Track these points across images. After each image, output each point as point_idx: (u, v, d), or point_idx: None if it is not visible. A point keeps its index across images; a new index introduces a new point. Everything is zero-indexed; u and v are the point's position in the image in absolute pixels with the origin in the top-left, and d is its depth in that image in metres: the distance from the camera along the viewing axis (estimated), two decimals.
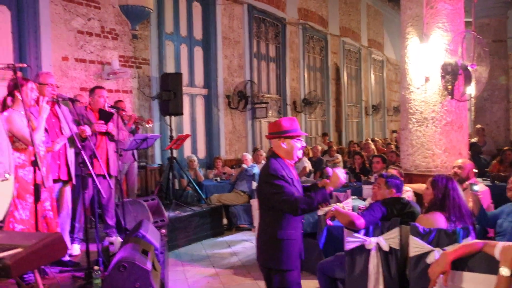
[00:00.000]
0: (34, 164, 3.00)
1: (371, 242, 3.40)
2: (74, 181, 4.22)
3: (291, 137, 2.88)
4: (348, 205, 4.77)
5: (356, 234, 3.47)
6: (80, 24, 6.78)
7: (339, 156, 10.39)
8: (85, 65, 6.86)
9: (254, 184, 7.27)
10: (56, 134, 4.06)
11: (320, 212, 4.57)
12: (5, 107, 3.63)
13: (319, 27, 13.15)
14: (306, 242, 3.74)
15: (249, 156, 8.09)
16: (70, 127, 3.96)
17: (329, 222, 3.71)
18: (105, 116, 4.64)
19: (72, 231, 4.62)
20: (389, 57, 18.16)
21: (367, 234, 3.45)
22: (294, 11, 11.89)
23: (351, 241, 3.49)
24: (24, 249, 1.90)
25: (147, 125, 6.84)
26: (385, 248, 3.36)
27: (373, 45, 16.75)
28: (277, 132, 2.90)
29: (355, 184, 6.84)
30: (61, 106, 3.99)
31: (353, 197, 5.49)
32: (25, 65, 3.19)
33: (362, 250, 3.45)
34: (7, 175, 2.37)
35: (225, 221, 7.50)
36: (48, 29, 6.27)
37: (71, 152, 4.18)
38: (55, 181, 3.99)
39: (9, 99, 3.59)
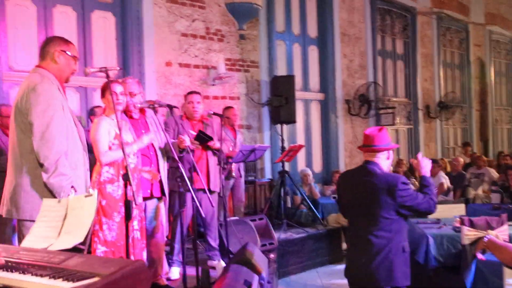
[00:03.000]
0: (125, 178, 2.94)
1: None
2: (167, 197, 4.16)
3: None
4: (504, 233, 4.12)
5: None
6: (184, 26, 6.91)
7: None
8: (189, 70, 6.97)
9: None
10: (147, 147, 3.98)
11: (466, 240, 3.99)
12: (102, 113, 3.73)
13: (458, 15, 12.20)
14: (447, 277, 3.41)
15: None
16: (166, 136, 3.91)
17: (479, 256, 3.23)
18: (201, 139, 4.52)
19: (171, 253, 4.60)
20: None
21: None
22: None
23: None
24: (100, 279, 1.74)
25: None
26: None
27: None
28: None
29: (510, 206, 6.06)
30: (157, 113, 3.97)
31: (510, 223, 4.78)
32: (117, 68, 3.23)
33: None
34: (91, 190, 2.29)
35: (344, 245, 6.97)
36: (151, 34, 6.47)
37: (164, 166, 4.12)
38: (146, 198, 3.97)
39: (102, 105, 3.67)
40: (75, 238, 2.23)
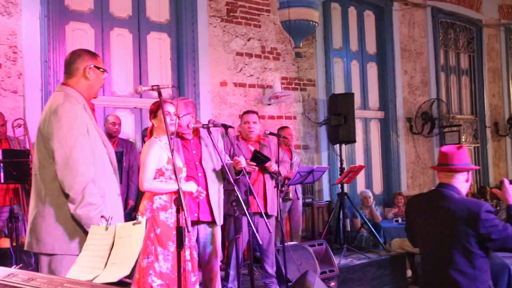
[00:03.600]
0: (178, 202, 2.75)
1: None
2: (220, 222, 3.94)
3: None
4: None
5: None
6: (239, 46, 6.83)
7: None
8: (244, 90, 6.86)
9: None
10: (195, 168, 3.83)
11: None
12: (151, 134, 3.59)
13: None
14: None
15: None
16: (221, 158, 3.73)
17: None
18: (258, 160, 4.31)
19: (226, 279, 4.39)
20: None
21: None
22: (493, 10, 10.55)
23: None
24: None
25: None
26: None
27: None
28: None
29: None
30: (211, 133, 3.80)
31: None
32: (170, 86, 3.02)
33: None
34: (139, 217, 2.09)
35: (409, 273, 6.66)
36: (206, 53, 6.42)
37: (218, 189, 3.91)
38: (193, 222, 3.74)
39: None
40: (121, 270, 2.05)
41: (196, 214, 3.77)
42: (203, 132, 3.94)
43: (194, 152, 3.88)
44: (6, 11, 5.18)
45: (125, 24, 6.07)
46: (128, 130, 5.98)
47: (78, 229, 2.54)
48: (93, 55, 2.78)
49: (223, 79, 6.65)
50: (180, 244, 2.74)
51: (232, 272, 4.34)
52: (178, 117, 3.72)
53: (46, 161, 2.58)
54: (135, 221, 2.18)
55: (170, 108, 3.52)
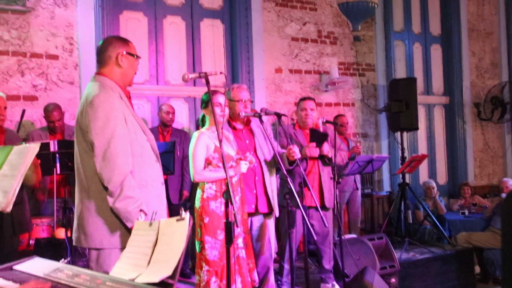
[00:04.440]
0: (226, 196, 2.63)
1: None
2: (277, 213, 3.81)
3: None
4: None
5: None
6: (294, 30, 6.65)
7: None
8: (300, 76, 6.68)
9: None
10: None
11: None
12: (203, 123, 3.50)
13: None
14: None
15: (511, 182, 6.70)
16: (273, 147, 3.58)
17: None
18: (317, 137, 4.16)
19: (280, 273, 4.26)
20: None
21: None
22: None
23: None
24: None
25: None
26: None
27: None
28: None
29: None
30: (263, 122, 3.65)
31: None
32: (218, 73, 2.86)
33: None
34: (183, 214, 1.97)
35: (477, 269, 6.33)
36: (260, 39, 6.29)
37: (271, 179, 3.78)
38: (251, 214, 3.65)
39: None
40: (163, 270, 1.94)
41: (253, 206, 3.68)
42: (253, 122, 3.81)
43: (247, 141, 3.80)
44: (63, 2, 5.24)
45: (178, 12, 6.01)
46: (182, 119, 5.95)
47: (121, 223, 2.48)
48: (124, 41, 2.68)
49: (278, 65, 6.50)
50: (229, 240, 2.63)
51: (286, 266, 4.21)
52: (250, 102, 3.69)
53: (86, 154, 2.53)
54: (178, 217, 2.07)
55: (220, 99, 3.41)
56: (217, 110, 3.35)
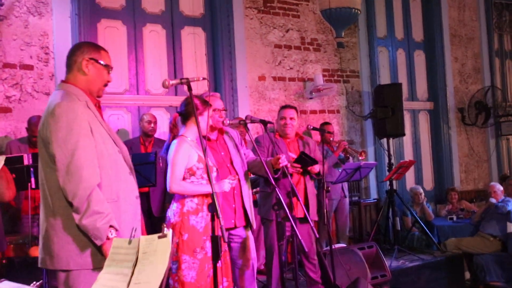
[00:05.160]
0: (212, 209, 2.46)
1: None
2: (254, 226, 3.62)
3: None
4: None
5: None
6: (277, 37, 6.54)
7: None
8: (284, 84, 6.56)
9: (511, 226, 5.90)
10: (228, 171, 3.52)
11: None
12: (175, 131, 3.30)
13: None
14: None
15: (499, 187, 6.65)
16: (259, 155, 3.40)
17: None
18: (303, 161, 3.97)
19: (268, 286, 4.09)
20: None
21: None
22: None
23: None
24: None
25: (360, 158, 6.10)
26: None
27: None
28: None
29: None
30: (248, 130, 3.48)
31: None
32: (200, 78, 2.68)
33: None
34: (165, 230, 1.79)
35: (467, 275, 6.31)
36: (243, 47, 6.15)
37: (248, 192, 3.59)
38: (229, 229, 3.45)
39: (180, 124, 3.26)
40: None
41: (233, 221, 3.48)
42: (227, 132, 3.64)
43: (222, 153, 3.58)
44: (37, 11, 5.03)
45: (158, 20, 5.85)
46: (164, 129, 5.75)
47: (90, 241, 2.27)
48: (96, 48, 2.47)
49: (262, 73, 6.37)
50: (216, 256, 2.45)
51: (274, 281, 4.02)
52: (224, 110, 3.53)
53: (49, 168, 2.32)
54: (160, 234, 1.89)
55: (219, 103, 3.24)
56: (216, 116, 3.19)
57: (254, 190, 4.88)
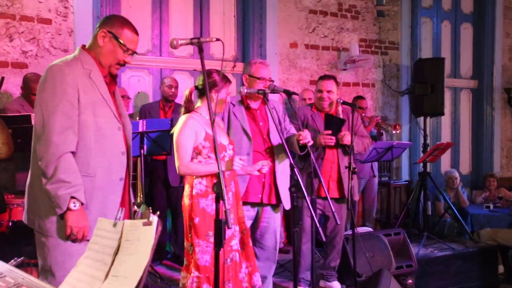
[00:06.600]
0: (216, 189, 2.18)
1: None
2: (286, 206, 3.36)
3: None
4: None
5: None
6: (312, 2, 6.19)
7: None
8: (317, 52, 6.23)
9: None
10: (263, 142, 3.31)
11: None
12: (189, 106, 3.02)
13: None
14: None
15: None
16: (281, 131, 3.13)
17: None
18: (333, 124, 3.72)
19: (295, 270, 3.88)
20: None
21: None
22: None
23: None
24: None
25: (393, 132, 5.76)
26: None
27: None
28: None
29: None
30: (268, 101, 3.18)
31: None
32: (213, 39, 2.34)
33: None
34: (152, 217, 1.54)
35: (501, 269, 5.94)
36: (275, 10, 5.82)
37: (283, 168, 3.36)
38: (256, 204, 3.25)
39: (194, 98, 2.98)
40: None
41: (260, 196, 3.29)
42: (271, 103, 3.40)
43: (261, 123, 3.38)
44: None
45: None
46: None
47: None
48: (122, 24, 2.34)
49: (294, 39, 6.05)
50: (219, 242, 2.18)
51: (303, 262, 3.88)
52: (270, 81, 3.35)
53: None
54: (145, 221, 1.62)
55: (264, 72, 3.19)
56: (261, 86, 3.11)
57: None
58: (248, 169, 2.99)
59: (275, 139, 3.33)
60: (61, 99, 2.18)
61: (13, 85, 4.55)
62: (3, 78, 4.04)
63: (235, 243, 2.89)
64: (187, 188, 2.95)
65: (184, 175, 2.99)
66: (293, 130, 3.53)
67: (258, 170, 2.97)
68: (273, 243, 3.40)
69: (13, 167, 4.35)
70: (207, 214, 2.83)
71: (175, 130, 2.94)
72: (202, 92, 3.00)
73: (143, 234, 1.61)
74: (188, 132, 2.88)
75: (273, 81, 3.41)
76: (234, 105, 3.30)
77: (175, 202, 4.61)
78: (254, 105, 3.39)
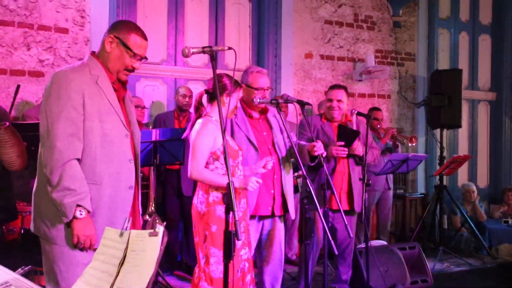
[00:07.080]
0: (226, 200, 2.15)
1: None
2: (292, 215, 3.34)
3: None
4: None
5: None
6: (328, 12, 6.18)
7: None
8: (332, 63, 6.22)
9: None
10: (269, 152, 3.25)
11: None
12: (201, 110, 2.99)
13: None
14: None
15: None
16: (291, 140, 3.08)
17: None
18: (346, 135, 3.67)
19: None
20: None
21: None
22: None
23: None
24: None
25: (409, 144, 5.69)
26: None
27: None
28: None
29: None
30: (281, 111, 3.15)
31: None
32: (226, 48, 2.33)
33: None
34: (158, 228, 1.51)
35: None
36: (290, 21, 5.82)
37: (288, 177, 3.31)
38: (264, 217, 3.19)
39: (206, 102, 2.95)
40: None
41: (270, 208, 3.23)
42: (271, 110, 3.36)
43: (264, 133, 3.32)
44: None
45: None
46: None
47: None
48: (129, 29, 2.31)
49: (309, 50, 6.03)
50: (228, 255, 2.15)
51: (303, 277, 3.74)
52: (270, 89, 3.32)
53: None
54: (151, 231, 1.60)
55: (262, 81, 3.12)
56: (260, 95, 3.06)
57: (296, 174, 4.60)
58: (253, 168, 2.95)
59: (280, 149, 3.29)
60: (65, 105, 2.16)
61: (30, 93, 4.60)
62: (18, 86, 4.08)
63: (244, 253, 2.85)
64: (201, 194, 2.87)
65: (197, 181, 2.94)
66: (295, 139, 3.45)
67: (263, 167, 2.92)
68: (279, 253, 3.33)
69: (28, 175, 4.37)
70: (224, 222, 2.78)
71: (193, 132, 2.89)
72: (212, 96, 2.96)
73: (149, 245, 1.59)
74: (207, 135, 2.82)
75: (272, 89, 3.38)
76: (235, 115, 3.22)
77: (188, 212, 4.60)
78: (255, 114, 3.34)
